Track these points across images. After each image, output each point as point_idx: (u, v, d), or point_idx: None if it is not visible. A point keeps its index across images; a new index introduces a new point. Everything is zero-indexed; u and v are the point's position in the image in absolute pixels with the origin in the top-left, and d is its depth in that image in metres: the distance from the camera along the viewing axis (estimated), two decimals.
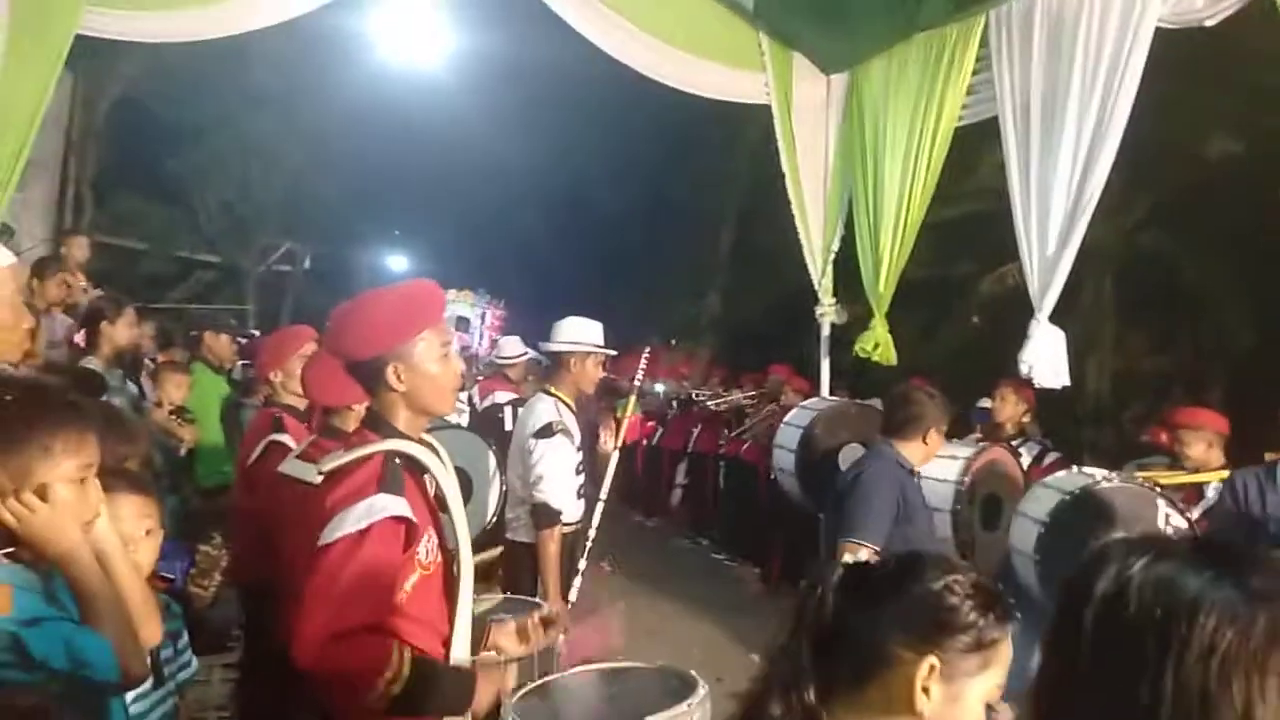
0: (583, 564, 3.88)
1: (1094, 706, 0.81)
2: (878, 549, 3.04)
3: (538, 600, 3.35)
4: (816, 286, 6.79)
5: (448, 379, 2.06)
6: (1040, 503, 3.76)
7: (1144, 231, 9.77)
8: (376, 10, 7.85)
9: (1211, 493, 4.22)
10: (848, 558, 2.85)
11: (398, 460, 1.95)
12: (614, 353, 4.14)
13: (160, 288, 13.77)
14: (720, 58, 6.32)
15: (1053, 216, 4.36)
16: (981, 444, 4.57)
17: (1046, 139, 4.48)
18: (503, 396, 6.42)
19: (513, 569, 3.99)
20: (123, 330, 4.46)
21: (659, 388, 11.33)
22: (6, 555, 1.42)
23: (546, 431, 3.84)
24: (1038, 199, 4.48)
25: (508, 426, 5.63)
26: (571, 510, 3.87)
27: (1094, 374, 9.87)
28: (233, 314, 10.94)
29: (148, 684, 1.88)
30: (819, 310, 6.78)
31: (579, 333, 4.01)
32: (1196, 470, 4.33)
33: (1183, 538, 0.88)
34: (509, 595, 3.42)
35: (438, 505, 2.06)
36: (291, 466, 2.84)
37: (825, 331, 6.81)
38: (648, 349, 5.14)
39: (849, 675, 1.12)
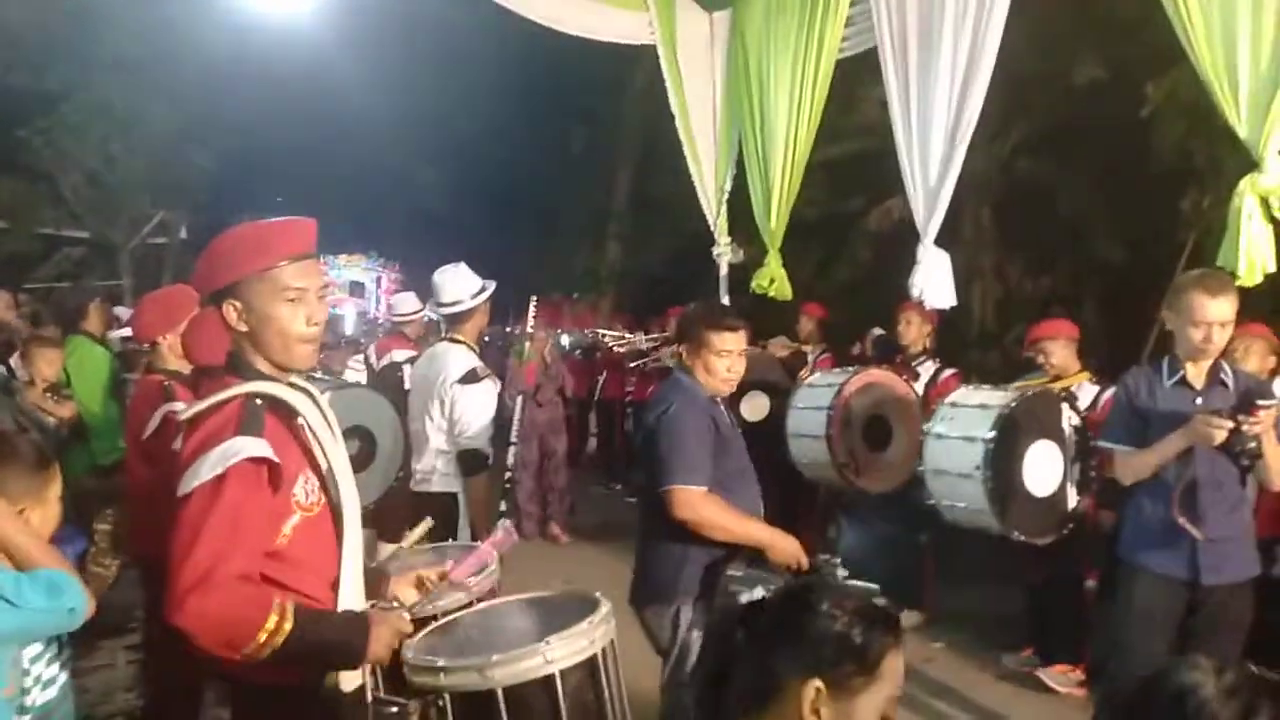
0: (503, 505, 3.90)
1: None
2: (706, 489, 2.85)
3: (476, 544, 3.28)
4: (712, 226, 6.85)
5: (293, 324, 1.89)
6: (962, 421, 3.94)
7: (1019, 160, 10.16)
8: None
9: (1084, 395, 4.56)
10: (680, 503, 2.80)
11: (259, 401, 1.84)
12: (494, 287, 4.16)
13: (25, 267, 12.90)
14: None
15: (933, 143, 4.49)
16: (853, 369, 4.76)
17: (924, 68, 4.59)
18: (400, 354, 6.32)
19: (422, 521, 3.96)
20: None
21: (564, 339, 11.30)
22: None
23: (471, 378, 3.84)
24: (918, 127, 4.60)
25: (407, 385, 5.56)
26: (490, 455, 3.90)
27: (978, 299, 10.31)
28: (107, 290, 10.35)
29: (58, 672, 1.82)
30: (716, 250, 6.85)
31: (468, 283, 4.06)
32: (1058, 377, 4.73)
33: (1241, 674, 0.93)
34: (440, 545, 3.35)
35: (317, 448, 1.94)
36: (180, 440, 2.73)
37: (723, 271, 6.89)
38: (533, 299, 5.53)
39: (742, 709, 1.14)
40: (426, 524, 2.87)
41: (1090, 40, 8.49)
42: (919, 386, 5.16)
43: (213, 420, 1.81)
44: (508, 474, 4.16)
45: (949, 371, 5.48)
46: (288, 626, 1.72)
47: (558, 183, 16.32)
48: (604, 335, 9.40)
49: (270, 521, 1.81)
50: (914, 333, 5.52)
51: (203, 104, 13.43)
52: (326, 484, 1.94)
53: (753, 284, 6.34)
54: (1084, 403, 4.45)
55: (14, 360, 5.04)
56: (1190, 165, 7.36)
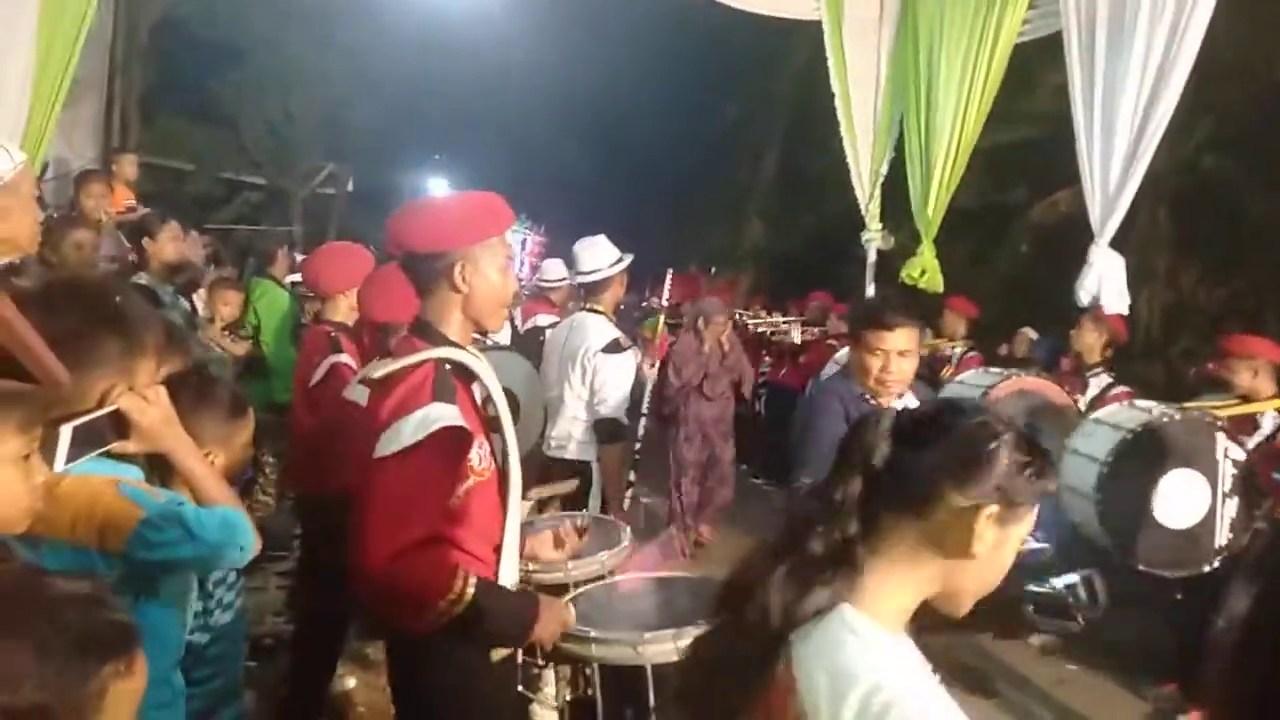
0: (632, 475, 3.97)
1: None
2: None
3: (610, 518, 3.34)
4: (864, 211, 6.67)
5: (506, 290, 2.03)
6: (1095, 439, 3.70)
7: (1204, 157, 9.39)
8: None
9: (1266, 423, 4.15)
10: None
11: (447, 367, 1.91)
12: (632, 258, 4.18)
13: (208, 208, 13.88)
14: None
15: (1117, 140, 4.22)
16: (1007, 372, 4.48)
17: (1113, 57, 4.30)
18: (544, 319, 6.42)
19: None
20: (167, 245, 4.45)
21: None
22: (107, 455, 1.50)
23: (614, 348, 3.90)
24: (1102, 121, 4.33)
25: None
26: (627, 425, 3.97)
27: (1145, 306, 9.64)
28: (281, 235, 11.03)
29: (235, 598, 1.98)
30: (865, 235, 6.68)
31: (605, 253, 4.10)
32: (1245, 399, 4.25)
33: None
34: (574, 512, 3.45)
35: (486, 414, 2.03)
36: (357, 392, 2.87)
37: (872, 257, 6.72)
38: (669, 271, 5.38)
39: (894, 514, 1.14)
40: (571, 484, 2.94)
41: None
42: (1084, 400, 4.81)
43: (408, 383, 1.86)
44: (636, 445, 4.22)
45: (1121, 389, 5.08)
46: (470, 594, 1.80)
47: (705, 157, 16.26)
48: (741, 314, 9.31)
49: (454, 488, 1.88)
50: (1089, 340, 5.11)
51: (374, 64, 14.06)
52: (495, 450, 2.02)
53: (902, 274, 6.14)
54: (1266, 431, 4.07)
55: (197, 297, 5.43)
56: None
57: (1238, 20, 6.92)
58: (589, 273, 4.10)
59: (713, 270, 14.19)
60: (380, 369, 1.91)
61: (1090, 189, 4.35)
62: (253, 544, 1.58)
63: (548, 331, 6.00)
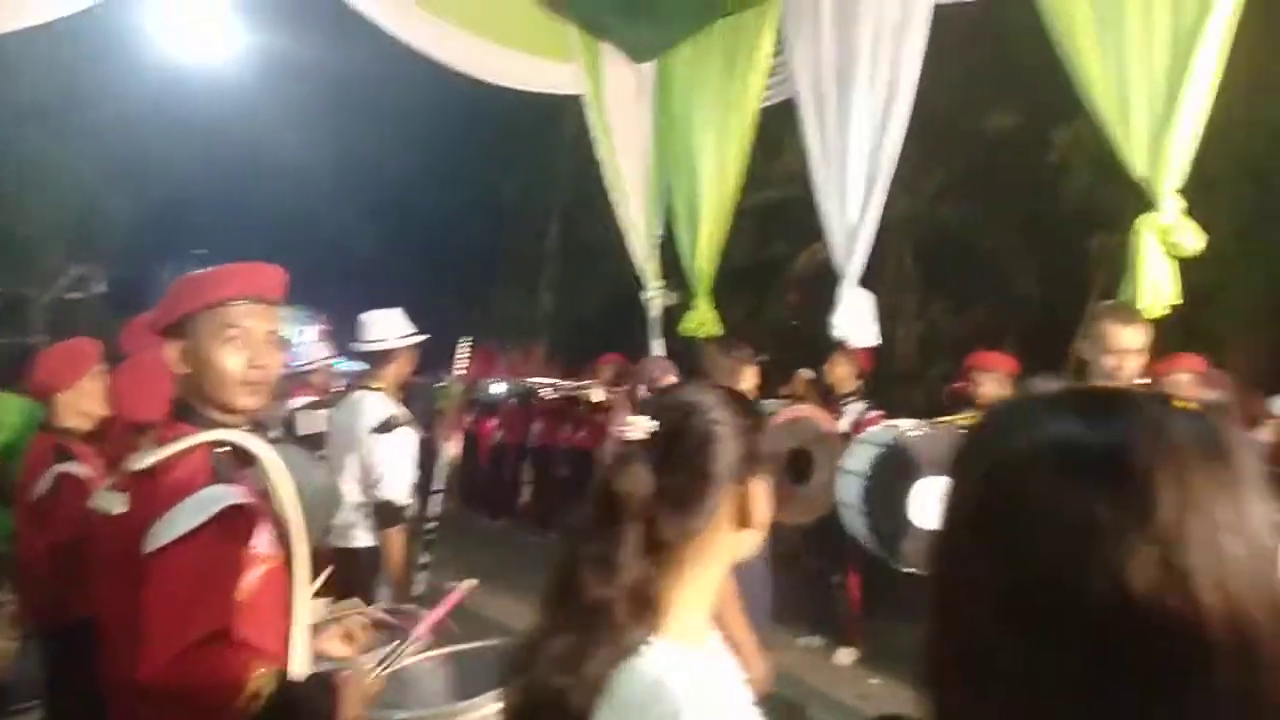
0: (426, 558, 3.79)
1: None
2: None
3: (409, 608, 3.19)
4: (642, 272, 6.90)
5: (231, 365, 1.82)
6: (858, 457, 3.99)
7: (939, 204, 10.53)
8: (157, 6, 7.31)
9: None
10: None
11: (222, 449, 1.77)
12: (426, 336, 4.08)
13: None
14: (532, 49, 6.30)
15: (851, 185, 4.63)
16: (781, 403, 4.80)
17: (842, 112, 4.75)
18: (298, 401, 6.16)
19: (344, 577, 3.84)
20: None
21: (497, 387, 11.20)
22: None
23: (387, 427, 3.72)
24: (836, 169, 4.75)
25: (299, 430, 5.37)
26: (410, 507, 3.79)
27: (902, 338, 10.57)
28: (22, 348, 9.93)
29: None
30: (646, 295, 6.90)
31: (396, 325, 3.97)
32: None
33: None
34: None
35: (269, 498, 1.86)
36: (105, 500, 2.59)
37: (654, 314, 6.94)
38: (463, 340, 5.28)
39: (675, 532, 1.17)
40: (325, 574, 2.77)
41: (1003, 89, 8.90)
42: (844, 425, 5.22)
43: (181, 468, 1.71)
44: (431, 524, 4.02)
45: (875, 412, 5.56)
46: (268, 689, 1.64)
47: (491, 230, 16.34)
48: (536, 383, 9.32)
49: (241, 575, 1.72)
50: (839, 373, 5.60)
51: (123, 154, 13.14)
52: (281, 536, 1.87)
53: (679, 326, 6.40)
54: None
55: None
56: (1098, 207, 7.71)
57: (959, 81, 7.88)
58: (375, 341, 3.95)
59: (508, 343, 14.20)
60: (145, 459, 1.75)
61: (833, 234, 4.74)
62: None
63: (298, 414, 5.69)
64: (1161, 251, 3.36)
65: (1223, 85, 3.40)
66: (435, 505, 4.06)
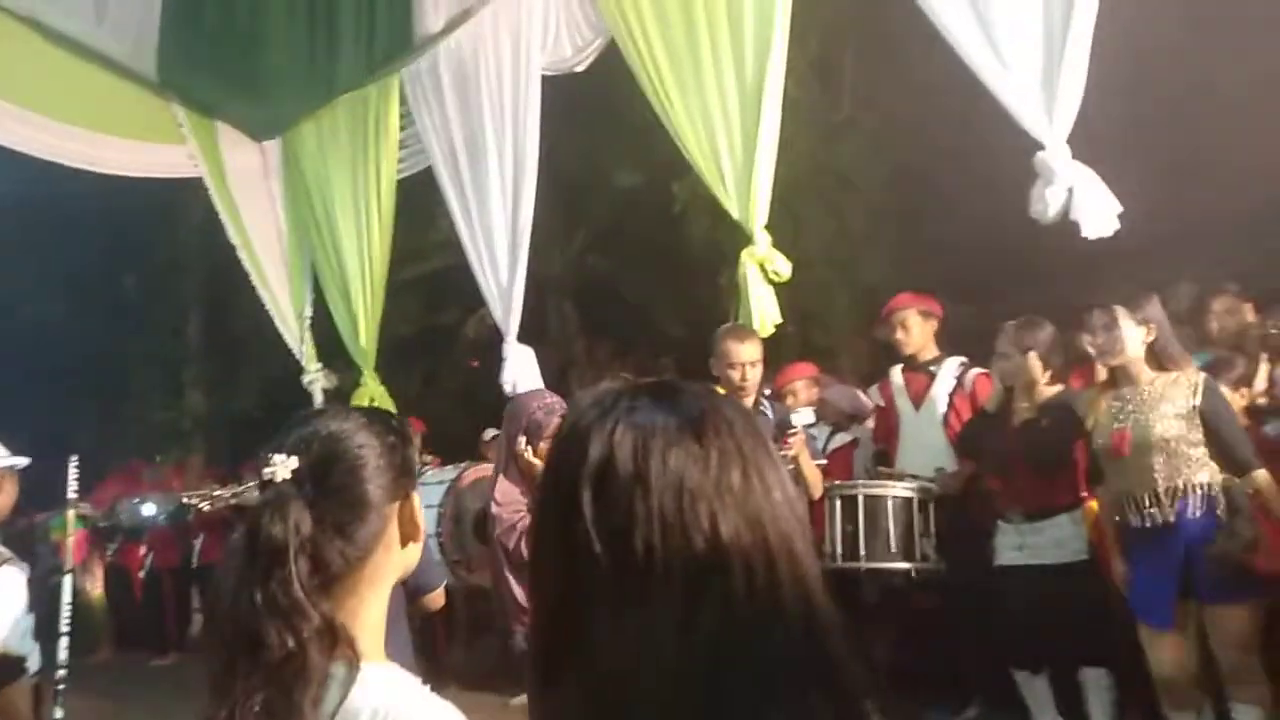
0: (59, 713, 3.26)
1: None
2: None
3: None
4: (299, 355, 6.58)
5: None
6: None
7: (587, 257, 11.18)
8: None
9: None
10: None
11: None
12: (25, 461, 3.59)
13: None
14: (132, 133, 5.81)
15: (497, 247, 4.80)
16: (465, 464, 4.86)
17: (476, 181, 4.92)
18: None
19: None
20: None
21: (148, 508, 9.93)
22: None
23: None
24: (482, 233, 4.90)
25: None
26: (32, 656, 3.24)
27: (575, 385, 11.02)
28: None
29: None
30: (306, 378, 6.58)
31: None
32: None
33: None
34: None
35: None
36: None
37: (318, 399, 6.62)
38: (72, 459, 4.72)
39: (344, 567, 1.16)
40: None
41: (625, 150, 9.68)
42: None
43: None
44: (61, 671, 3.46)
45: None
46: None
47: (117, 334, 14.54)
48: (192, 497, 8.43)
49: None
50: None
51: None
52: None
53: (351, 404, 6.18)
54: None
55: None
56: (718, 247, 8.62)
57: (583, 148, 8.43)
58: None
59: (157, 458, 12.67)
60: None
61: (489, 295, 4.88)
62: None
63: None
64: (761, 278, 3.87)
65: (790, 137, 4.01)
66: (63, 652, 3.49)
